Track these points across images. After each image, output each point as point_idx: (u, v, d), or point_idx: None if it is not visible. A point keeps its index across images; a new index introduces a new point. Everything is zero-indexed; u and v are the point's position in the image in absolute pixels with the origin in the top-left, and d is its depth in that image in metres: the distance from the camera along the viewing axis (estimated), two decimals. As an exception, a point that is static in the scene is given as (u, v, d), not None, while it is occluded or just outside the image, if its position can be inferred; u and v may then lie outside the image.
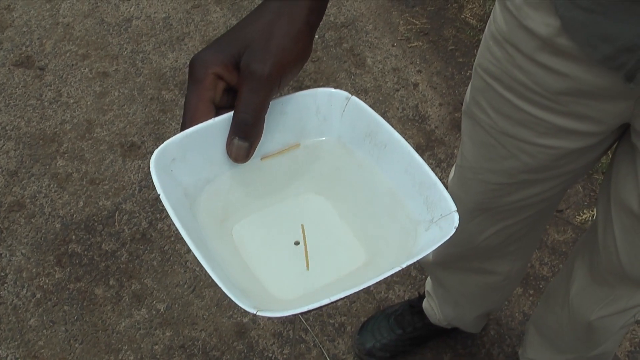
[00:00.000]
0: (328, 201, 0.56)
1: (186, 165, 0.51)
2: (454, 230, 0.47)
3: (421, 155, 0.53)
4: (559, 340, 1.26)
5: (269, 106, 0.52)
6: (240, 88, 0.50)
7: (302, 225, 0.55)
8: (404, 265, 0.45)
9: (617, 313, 1.09)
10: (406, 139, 0.53)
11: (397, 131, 0.53)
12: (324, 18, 0.54)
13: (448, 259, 1.25)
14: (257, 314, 0.42)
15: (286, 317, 0.42)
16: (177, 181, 0.51)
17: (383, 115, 0.54)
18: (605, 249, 0.99)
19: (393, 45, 2.22)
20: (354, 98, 0.55)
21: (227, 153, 0.52)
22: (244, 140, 0.51)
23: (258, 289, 0.50)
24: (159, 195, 0.47)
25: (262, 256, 0.52)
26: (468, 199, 1.04)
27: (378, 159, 0.54)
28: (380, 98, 2.05)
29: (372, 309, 1.62)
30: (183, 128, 0.51)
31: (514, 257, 1.21)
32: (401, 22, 2.29)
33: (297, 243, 0.53)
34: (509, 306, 1.63)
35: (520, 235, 1.12)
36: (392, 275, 0.45)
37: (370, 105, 0.55)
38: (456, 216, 0.48)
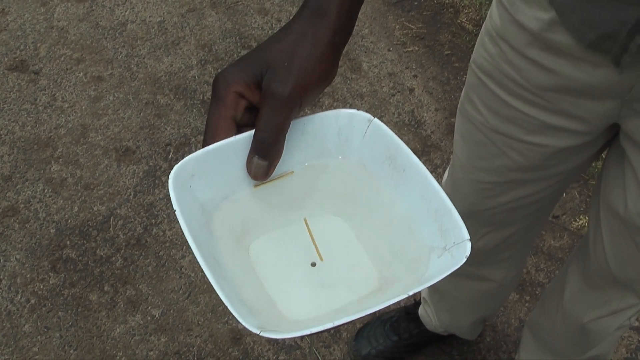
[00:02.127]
0: (346, 223, 0.56)
1: (205, 182, 0.52)
2: (464, 260, 0.47)
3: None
4: (554, 343, 1.27)
5: (291, 125, 0.52)
6: (261, 107, 0.51)
7: (305, 219, 0.55)
8: (410, 293, 0.45)
9: (609, 315, 1.10)
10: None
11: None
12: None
13: None
14: (261, 334, 0.42)
15: (290, 338, 0.43)
16: (194, 197, 0.51)
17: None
18: (595, 253, 1.01)
19: (389, 50, 2.22)
20: (376, 120, 0.55)
21: (247, 171, 0.53)
22: (264, 159, 0.52)
23: (268, 307, 0.50)
24: (175, 211, 0.47)
25: (277, 274, 0.53)
26: (459, 200, 1.04)
27: (396, 182, 0.54)
28: (376, 103, 2.05)
29: (367, 315, 1.62)
30: (204, 144, 0.52)
31: (507, 264, 1.21)
32: (397, 26, 2.29)
33: (313, 264, 0.53)
34: (505, 312, 1.63)
35: (513, 241, 1.12)
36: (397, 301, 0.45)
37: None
38: (468, 245, 0.48)
